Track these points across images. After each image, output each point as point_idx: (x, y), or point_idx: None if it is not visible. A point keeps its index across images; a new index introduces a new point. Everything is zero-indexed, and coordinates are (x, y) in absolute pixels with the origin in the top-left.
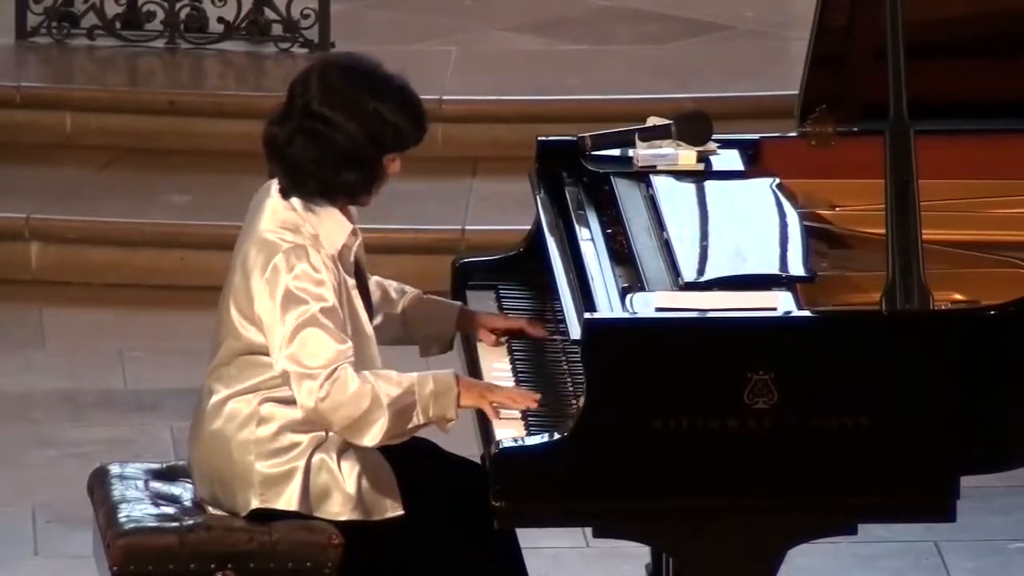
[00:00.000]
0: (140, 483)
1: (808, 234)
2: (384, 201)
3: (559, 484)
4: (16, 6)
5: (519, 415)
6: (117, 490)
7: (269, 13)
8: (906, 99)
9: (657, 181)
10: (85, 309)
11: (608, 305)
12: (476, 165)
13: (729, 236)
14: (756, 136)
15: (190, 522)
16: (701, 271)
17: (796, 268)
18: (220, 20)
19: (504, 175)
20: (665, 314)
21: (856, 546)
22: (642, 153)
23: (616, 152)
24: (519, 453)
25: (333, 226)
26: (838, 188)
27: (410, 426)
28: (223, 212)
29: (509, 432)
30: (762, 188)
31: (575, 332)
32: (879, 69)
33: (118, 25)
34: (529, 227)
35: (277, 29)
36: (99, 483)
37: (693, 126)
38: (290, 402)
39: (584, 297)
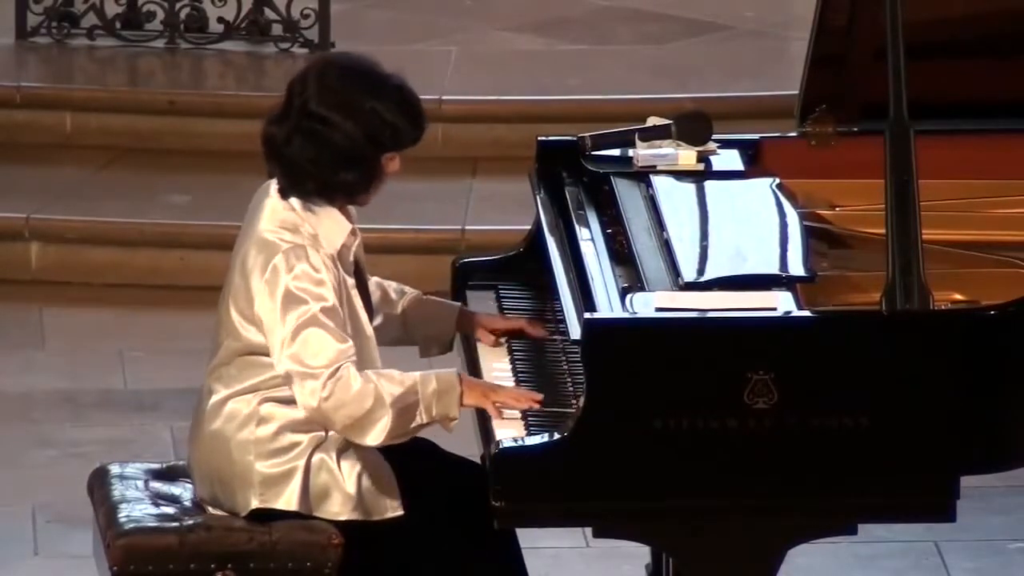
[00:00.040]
0: (140, 483)
1: (808, 234)
2: (384, 201)
3: (559, 484)
4: (16, 6)
5: (519, 415)
6: (117, 490)
7: (269, 13)
8: (906, 99)
9: (657, 181)
10: (85, 309)
11: (608, 305)
12: (476, 165)
13: (729, 236)
14: (756, 136)
15: (190, 522)
16: (701, 271)
17: (796, 268)
18: (220, 20)
19: (504, 175)
20: (665, 314)
21: (856, 546)
22: (642, 153)
23: (616, 152)
24: (519, 453)
25: (332, 226)
26: (838, 188)
27: (413, 425)
28: (223, 212)
29: (509, 432)
30: (762, 188)
31: (575, 332)
32: (879, 69)
33: (118, 25)
34: (529, 227)
35: (277, 29)
36: (99, 483)
37: (693, 126)
38: (290, 402)
39: (584, 297)
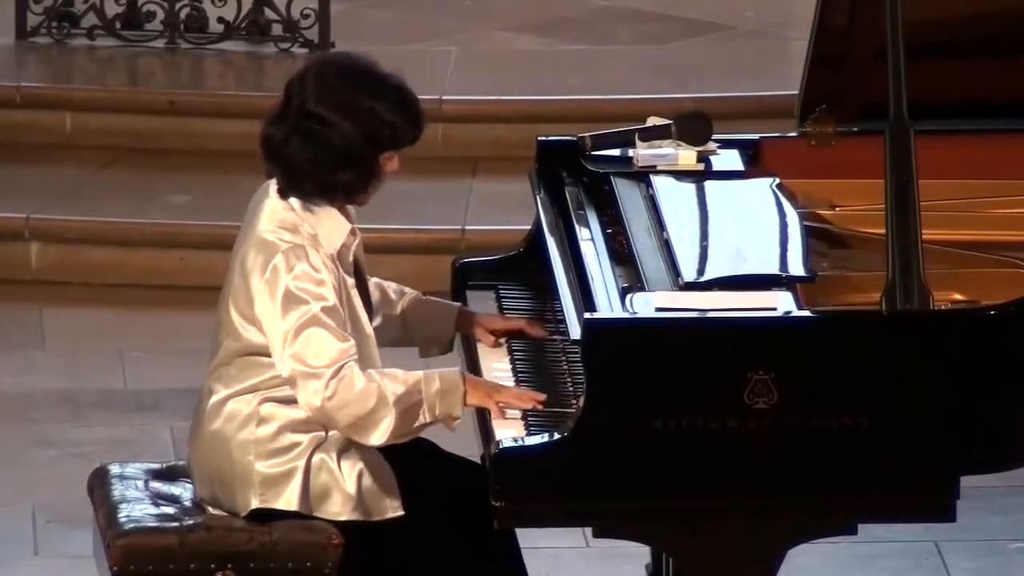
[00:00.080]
0: (140, 483)
1: (808, 234)
2: (384, 201)
3: (559, 484)
4: (16, 6)
5: (519, 415)
6: (117, 490)
7: (269, 13)
8: (906, 99)
9: (657, 181)
10: (85, 309)
11: (608, 305)
12: (476, 165)
13: (729, 236)
14: (756, 136)
15: (190, 522)
16: (701, 271)
17: (796, 268)
18: (220, 20)
19: (504, 175)
20: (665, 314)
21: (856, 546)
22: (642, 153)
23: (616, 152)
24: (519, 453)
25: (332, 226)
26: (838, 188)
27: (416, 424)
28: (223, 212)
29: (509, 432)
30: (762, 188)
31: (575, 332)
32: (879, 69)
33: (118, 25)
34: (529, 227)
35: (277, 29)
36: (99, 483)
37: (693, 126)
38: (290, 402)
39: (584, 297)
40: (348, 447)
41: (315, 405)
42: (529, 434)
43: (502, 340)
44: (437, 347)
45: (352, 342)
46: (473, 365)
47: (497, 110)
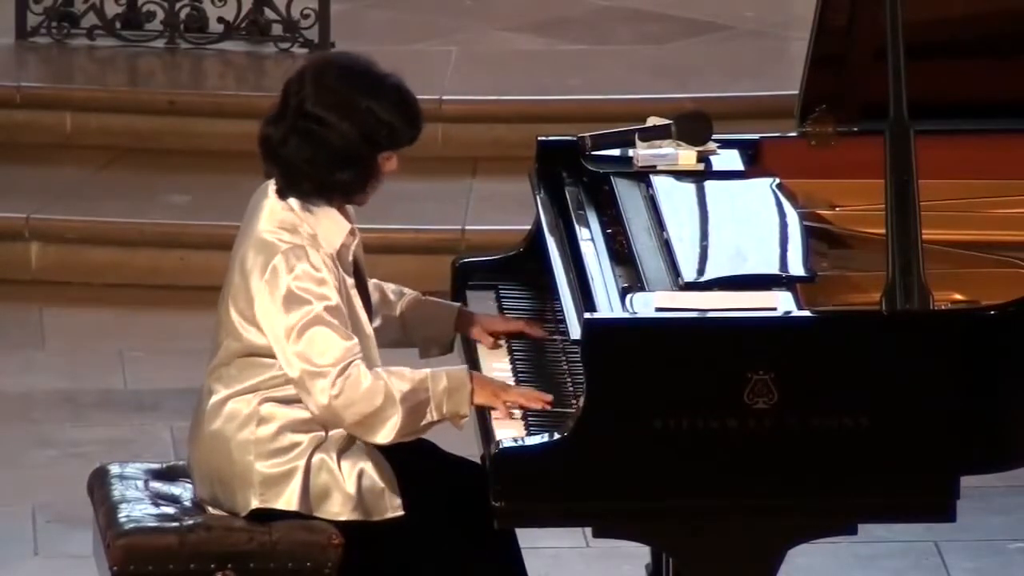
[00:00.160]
0: (140, 483)
1: (808, 234)
2: (384, 201)
3: (559, 484)
4: (16, 6)
5: (520, 415)
6: (117, 490)
7: (269, 13)
8: (906, 99)
9: (657, 181)
10: (85, 309)
11: (608, 305)
12: (476, 165)
13: (729, 236)
14: (756, 136)
15: (190, 522)
16: (701, 271)
17: (796, 268)
18: (220, 20)
19: (504, 175)
20: (665, 314)
21: (856, 546)
22: (642, 153)
23: (616, 152)
24: (519, 453)
25: (331, 226)
26: (838, 188)
27: (423, 423)
28: (223, 212)
29: (509, 432)
30: (762, 188)
31: (575, 332)
32: (879, 69)
33: (118, 25)
34: (529, 227)
35: (277, 29)
36: (99, 483)
37: (693, 126)
38: (290, 402)
39: (584, 297)
40: (348, 447)
41: (323, 403)
42: (529, 434)
43: (502, 341)
44: (437, 348)
45: (356, 340)
46: (473, 366)
47: (497, 110)
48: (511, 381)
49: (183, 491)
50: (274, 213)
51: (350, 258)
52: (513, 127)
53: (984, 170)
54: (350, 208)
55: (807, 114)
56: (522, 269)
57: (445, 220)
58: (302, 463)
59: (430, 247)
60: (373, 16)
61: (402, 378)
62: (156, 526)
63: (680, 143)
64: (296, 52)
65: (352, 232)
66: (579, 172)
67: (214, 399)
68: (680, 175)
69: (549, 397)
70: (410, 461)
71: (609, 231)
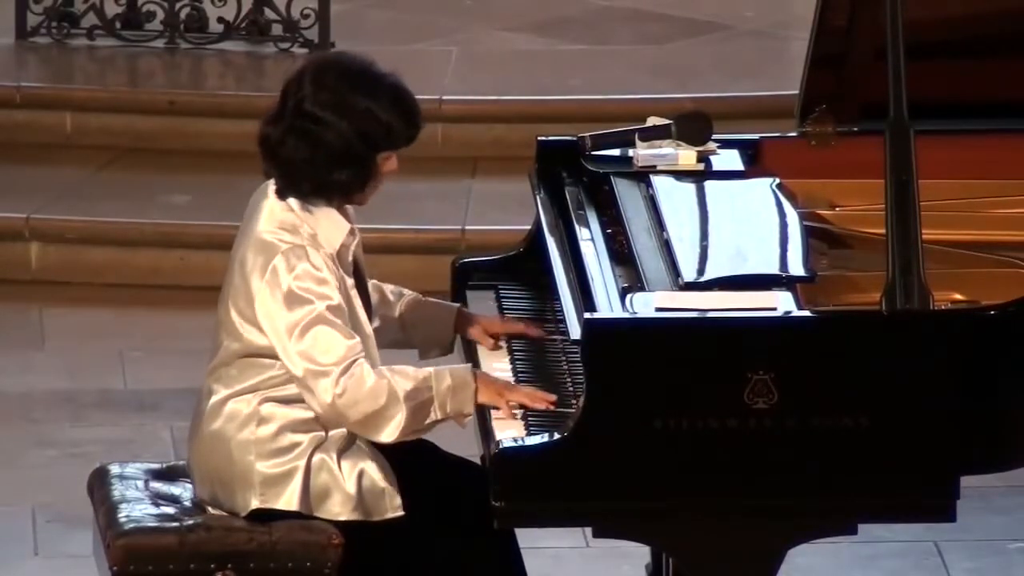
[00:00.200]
0: (140, 483)
1: (808, 234)
2: (384, 201)
3: (559, 484)
4: (16, 6)
5: (520, 414)
6: (117, 490)
7: (269, 13)
8: (906, 99)
9: (657, 181)
10: (85, 309)
11: (608, 305)
12: (476, 165)
13: (729, 236)
14: (756, 136)
15: (190, 522)
16: (701, 271)
17: (796, 268)
18: (220, 20)
19: (504, 175)
20: (665, 314)
21: (856, 546)
22: (642, 153)
23: (616, 152)
24: (519, 453)
25: (330, 226)
26: (838, 188)
27: (428, 422)
28: (223, 212)
29: (509, 432)
30: (762, 188)
31: (575, 332)
32: (879, 69)
33: (118, 25)
34: (529, 227)
35: (277, 29)
36: (99, 483)
37: (693, 126)
38: (290, 402)
39: (584, 297)
40: (348, 447)
41: (327, 402)
42: (529, 434)
43: (502, 342)
44: (437, 349)
45: (358, 339)
46: (473, 365)
47: (497, 110)
48: (511, 381)
49: (183, 491)
50: (274, 213)
51: (350, 258)
52: (513, 127)
53: (984, 170)
54: (350, 208)
55: (807, 114)
56: (522, 269)
57: (445, 220)
58: (302, 463)
59: (430, 247)
60: (373, 16)
61: (406, 376)
62: (156, 526)
63: (680, 143)
64: (296, 52)
65: (352, 232)
66: (579, 172)
67: (214, 399)
68: (680, 175)
69: (553, 397)
70: (410, 461)
71: (609, 231)
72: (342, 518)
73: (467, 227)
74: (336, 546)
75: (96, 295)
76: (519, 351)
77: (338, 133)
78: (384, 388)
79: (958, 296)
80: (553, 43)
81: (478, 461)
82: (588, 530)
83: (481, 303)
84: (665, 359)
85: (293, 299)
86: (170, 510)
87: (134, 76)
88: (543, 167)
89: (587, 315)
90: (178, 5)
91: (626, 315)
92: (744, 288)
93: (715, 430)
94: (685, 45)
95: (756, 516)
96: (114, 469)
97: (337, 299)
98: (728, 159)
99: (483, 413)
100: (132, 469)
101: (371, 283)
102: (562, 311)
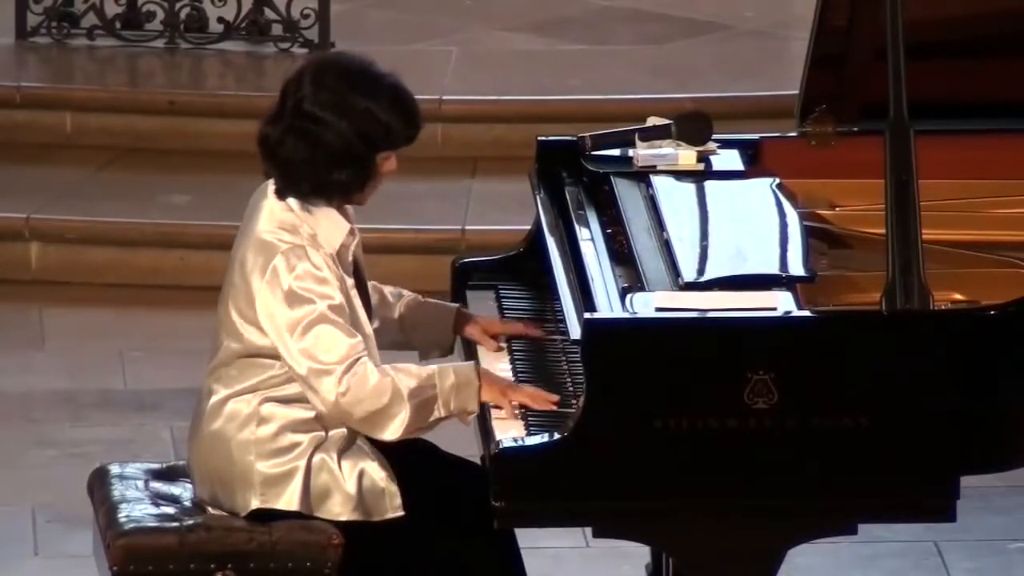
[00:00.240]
0: (140, 483)
1: (808, 234)
2: (384, 201)
3: (559, 484)
4: (16, 6)
5: (520, 414)
6: (117, 490)
7: (269, 13)
8: (906, 99)
9: (657, 181)
10: (85, 309)
11: (608, 305)
12: (476, 165)
13: (729, 236)
14: (756, 136)
15: (190, 522)
16: (701, 271)
17: (796, 268)
18: (220, 20)
19: (504, 175)
20: (665, 314)
21: (856, 546)
22: (642, 153)
23: (616, 152)
24: (519, 453)
25: (330, 226)
26: (838, 188)
27: (431, 419)
28: (223, 212)
29: (509, 432)
30: (762, 188)
31: (575, 332)
32: (879, 69)
33: (118, 25)
34: (529, 227)
35: (277, 29)
36: (99, 483)
37: (693, 126)
38: (290, 402)
39: (584, 297)
40: (348, 447)
41: (330, 401)
42: (529, 434)
43: (502, 343)
44: (437, 350)
45: (360, 338)
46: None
47: (497, 110)
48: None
49: (183, 491)
50: (273, 213)
51: (350, 258)
52: (513, 127)
53: (984, 170)
54: (349, 208)
55: (807, 114)
56: (522, 269)
57: (445, 220)
58: (302, 463)
59: (430, 247)
60: (373, 16)
61: (409, 374)
62: (156, 526)
63: (680, 143)
64: (296, 52)
65: (352, 232)
66: (579, 172)
67: (214, 399)
68: (680, 175)
69: (556, 397)
70: (410, 461)
71: (609, 231)
72: (342, 518)
73: (467, 227)
74: (336, 546)
75: (96, 295)
76: (519, 351)
77: (338, 133)
78: (388, 386)
79: (958, 296)
80: (553, 43)
81: (478, 461)
82: (588, 530)
83: (481, 303)
84: (665, 359)
85: (294, 298)
86: (170, 510)
87: (134, 76)
88: (543, 167)
89: (587, 315)
90: (178, 5)
91: (626, 315)
92: (744, 288)
93: (715, 430)
94: (685, 45)
95: (756, 516)
96: (114, 469)
97: (338, 298)
98: (728, 159)
99: (483, 413)
100: (132, 469)
101: (370, 284)
102: (562, 311)
